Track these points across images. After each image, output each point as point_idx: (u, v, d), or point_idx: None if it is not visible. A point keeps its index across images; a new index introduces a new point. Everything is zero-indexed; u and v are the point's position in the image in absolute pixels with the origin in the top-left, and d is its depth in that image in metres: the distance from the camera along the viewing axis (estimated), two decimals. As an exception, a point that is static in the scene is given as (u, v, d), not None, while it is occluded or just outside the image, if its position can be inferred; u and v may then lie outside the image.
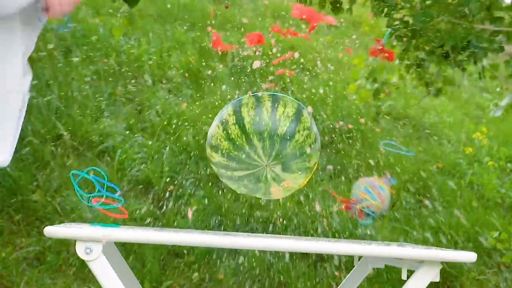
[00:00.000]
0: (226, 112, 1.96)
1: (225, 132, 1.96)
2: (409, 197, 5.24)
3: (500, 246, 4.77)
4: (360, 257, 2.30)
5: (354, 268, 2.31)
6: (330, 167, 5.36)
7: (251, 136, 1.94)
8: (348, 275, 2.32)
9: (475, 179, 5.54)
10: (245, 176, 1.96)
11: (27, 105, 2.22)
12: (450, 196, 5.28)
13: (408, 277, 1.90)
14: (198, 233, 1.90)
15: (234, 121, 1.95)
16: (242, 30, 7.02)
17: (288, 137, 1.94)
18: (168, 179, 4.95)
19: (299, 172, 1.97)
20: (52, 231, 1.80)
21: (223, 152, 1.96)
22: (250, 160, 1.94)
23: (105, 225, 1.97)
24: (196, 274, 4.42)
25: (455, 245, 4.84)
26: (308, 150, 1.96)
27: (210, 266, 4.44)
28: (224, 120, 1.96)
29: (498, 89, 7.29)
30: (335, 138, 5.71)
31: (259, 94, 1.98)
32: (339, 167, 5.41)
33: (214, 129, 1.96)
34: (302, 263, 4.47)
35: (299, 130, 1.96)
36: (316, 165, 2.04)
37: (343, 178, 5.33)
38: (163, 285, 4.30)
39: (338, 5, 4.00)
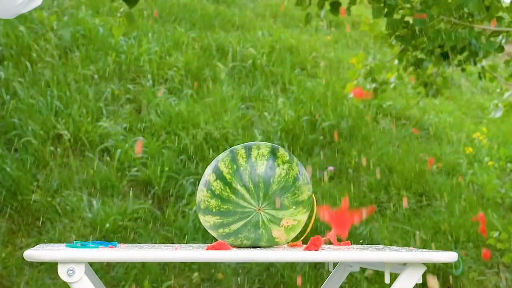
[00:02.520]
0: (207, 174, 2.06)
1: (209, 191, 2.03)
2: (409, 197, 5.24)
3: (501, 246, 4.78)
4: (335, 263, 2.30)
5: (330, 274, 2.31)
6: (331, 168, 5.36)
7: (234, 184, 2.00)
8: (324, 282, 2.32)
9: (475, 179, 5.54)
10: (242, 227, 2.01)
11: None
12: (450, 196, 5.28)
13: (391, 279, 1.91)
14: (169, 250, 1.90)
15: (215, 177, 2.03)
16: (242, 30, 7.03)
17: (269, 174, 2.00)
18: (168, 179, 4.95)
19: (294, 207, 2.01)
20: (32, 254, 1.78)
21: (214, 211, 2.01)
22: (241, 209, 2.00)
23: (84, 245, 1.97)
24: (196, 274, 4.42)
25: (455, 245, 4.84)
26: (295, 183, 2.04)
27: (210, 266, 4.44)
28: (206, 182, 2.05)
29: (498, 90, 7.29)
30: (335, 138, 5.71)
31: (235, 148, 2.09)
32: (339, 168, 5.41)
33: (199, 194, 2.05)
34: (302, 263, 4.47)
35: (279, 164, 2.02)
36: (310, 198, 2.07)
37: (343, 178, 5.34)
38: (163, 285, 4.30)
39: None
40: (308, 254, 1.86)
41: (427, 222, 4.99)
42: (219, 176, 2.01)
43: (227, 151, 2.08)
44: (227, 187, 1.99)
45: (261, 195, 1.99)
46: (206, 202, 2.03)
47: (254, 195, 1.99)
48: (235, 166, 2.00)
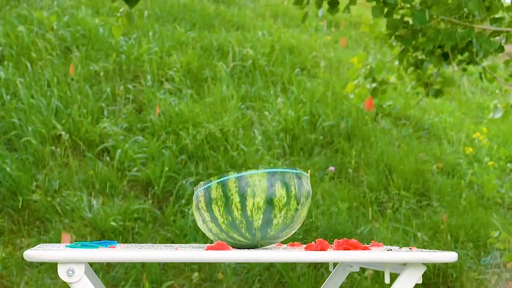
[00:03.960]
0: (200, 206, 2.02)
1: (205, 226, 2.03)
2: (409, 197, 5.24)
3: (501, 246, 4.78)
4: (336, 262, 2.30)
5: (330, 274, 2.31)
6: (332, 168, 5.36)
7: (231, 233, 2.00)
8: (325, 282, 2.32)
9: (475, 179, 5.54)
10: (242, 247, 2.07)
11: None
12: (450, 196, 5.28)
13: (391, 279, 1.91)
14: (169, 250, 1.90)
15: (210, 219, 2.01)
16: (242, 30, 7.03)
17: (266, 227, 1.99)
18: (168, 179, 4.95)
19: (293, 231, 2.05)
20: (32, 255, 1.78)
21: (214, 239, 2.05)
22: (239, 243, 2.03)
23: (84, 246, 1.97)
24: (196, 274, 4.42)
25: (455, 245, 4.85)
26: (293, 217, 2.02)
27: (210, 266, 4.44)
28: (201, 214, 2.02)
29: (497, 91, 7.29)
30: (335, 138, 5.71)
31: (226, 178, 1.99)
32: (339, 168, 5.41)
33: (195, 214, 2.06)
34: (302, 263, 4.47)
35: (275, 215, 1.98)
36: (309, 208, 2.07)
37: (343, 178, 5.34)
38: (163, 285, 4.30)
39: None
40: (308, 254, 1.86)
41: (427, 222, 4.99)
42: (214, 220, 1.98)
43: (219, 186, 1.97)
44: (223, 233, 1.99)
45: (259, 239, 2.00)
46: (204, 230, 2.05)
47: (253, 240, 2.00)
48: (230, 218, 1.96)
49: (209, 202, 1.99)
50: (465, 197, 5.33)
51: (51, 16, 6.21)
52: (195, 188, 2.06)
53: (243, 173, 1.98)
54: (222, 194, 1.97)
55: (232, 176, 1.98)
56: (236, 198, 1.96)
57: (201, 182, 2.07)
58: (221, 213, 1.97)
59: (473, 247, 4.90)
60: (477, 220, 5.05)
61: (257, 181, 1.97)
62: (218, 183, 1.98)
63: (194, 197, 2.05)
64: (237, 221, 1.97)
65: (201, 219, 2.02)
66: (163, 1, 7.12)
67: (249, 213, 1.96)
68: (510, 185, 5.57)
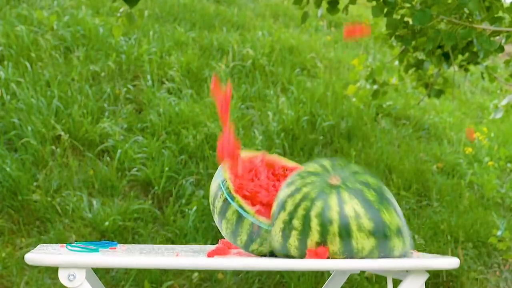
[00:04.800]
0: (216, 204, 2.01)
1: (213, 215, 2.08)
2: (409, 197, 5.24)
3: (502, 246, 4.78)
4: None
5: (330, 276, 2.30)
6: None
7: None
8: (325, 283, 2.31)
9: (475, 179, 5.54)
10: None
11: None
12: (450, 196, 5.28)
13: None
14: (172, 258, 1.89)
15: (217, 222, 2.04)
16: (242, 30, 7.03)
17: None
18: (168, 179, 4.95)
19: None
20: (33, 258, 1.77)
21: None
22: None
23: (85, 249, 1.96)
24: (196, 274, 4.42)
25: (455, 245, 4.85)
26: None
27: (210, 266, 4.43)
28: (214, 209, 2.03)
29: (498, 91, 7.29)
30: (335, 138, 5.71)
31: (246, 215, 1.94)
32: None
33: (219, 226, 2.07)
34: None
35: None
36: None
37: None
38: (163, 285, 4.30)
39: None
40: (309, 262, 1.83)
41: (427, 222, 4.99)
42: (220, 230, 2.02)
43: (236, 215, 1.94)
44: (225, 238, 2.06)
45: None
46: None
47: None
48: (232, 240, 2.01)
49: (223, 214, 1.97)
50: (466, 197, 5.33)
51: (51, 16, 6.21)
52: (222, 178, 2.00)
53: (264, 223, 1.93)
54: (234, 222, 1.95)
55: (251, 217, 1.93)
56: (244, 237, 1.96)
57: (227, 180, 2.00)
58: (227, 233, 2.00)
59: (473, 247, 4.90)
60: (477, 220, 5.05)
61: (273, 235, 1.91)
62: (236, 211, 1.95)
63: (217, 184, 2.00)
64: (238, 245, 2.01)
65: (212, 209, 2.04)
66: (163, 1, 7.11)
67: (250, 250, 1.99)
68: (510, 185, 5.57)
